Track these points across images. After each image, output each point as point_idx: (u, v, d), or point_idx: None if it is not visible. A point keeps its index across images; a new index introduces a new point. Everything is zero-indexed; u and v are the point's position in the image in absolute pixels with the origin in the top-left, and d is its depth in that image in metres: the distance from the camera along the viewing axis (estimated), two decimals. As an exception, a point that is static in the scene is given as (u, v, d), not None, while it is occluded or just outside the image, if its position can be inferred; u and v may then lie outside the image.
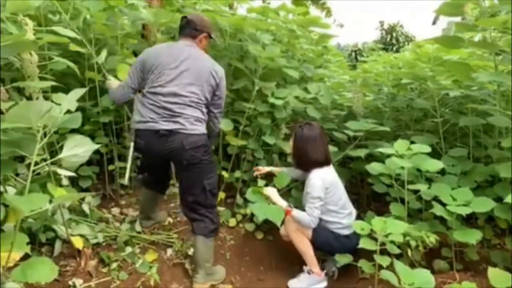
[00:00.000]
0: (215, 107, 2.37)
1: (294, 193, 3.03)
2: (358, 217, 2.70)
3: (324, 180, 2.42)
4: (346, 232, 2.49)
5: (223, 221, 3.01)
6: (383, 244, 2.07)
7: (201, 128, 2.24)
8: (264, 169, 2.84)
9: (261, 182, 2.68)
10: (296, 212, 2.45)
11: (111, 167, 3.03)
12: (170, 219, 2.90)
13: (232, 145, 3.16)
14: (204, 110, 2.27)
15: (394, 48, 14.83)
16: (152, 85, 2.22)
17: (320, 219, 2.50)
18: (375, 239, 2.08)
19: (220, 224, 2.80)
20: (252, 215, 3.07)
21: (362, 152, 2.85)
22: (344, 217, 2.50)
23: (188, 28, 2.33)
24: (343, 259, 2.39)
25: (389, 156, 2.46)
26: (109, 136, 3.03)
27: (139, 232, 2.64)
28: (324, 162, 2.48)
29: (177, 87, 2.18)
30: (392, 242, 2.08)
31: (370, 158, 3.08)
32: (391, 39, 16.26)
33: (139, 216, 2.75)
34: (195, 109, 2.21)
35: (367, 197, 3.42)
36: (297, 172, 2.67)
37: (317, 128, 2.53)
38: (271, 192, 2.52)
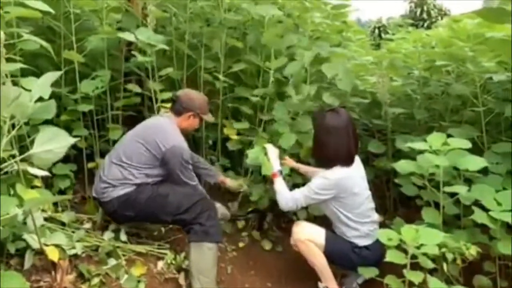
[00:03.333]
0: None
1: None
2: (383, 224, 2.68)
3: (339, 184, 2.40)
4: (366, 242, 2.47)
5: (223, 229, 3.00)
6: (414, 257, 2.05)
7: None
8: (291, 162, 2.89)
9: (286, 169, 2.79)
10: (278, 183, 2.53)
11: (91, 165, 3.02)
12: (162, 228, 2.93)
13: (233, 139, 3.16)
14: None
15: (425, 24, 14.71)
16: None
17: (333, 226, 2.49)
18: (405, 251, 2.05)
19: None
20: (259, 221, 3.07)
21: (388, 148, 2.82)
22: (363, 224, 2.48)
23: (175, 104, 2.67)
24: (367, 273, 2.38)
25: (421, 152, 2.44)
26: (89, 128, 3.03)
27: (124, 242, 2.63)
28: (346, 160, 2.45)
29: None
30: (425, 254, 2.06)
31: (398, 154, 3.04)
32: (422, 13, 16.12)
33: None
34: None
35: (393, 201, 3.41)
36: None
37: (343, 116, 2.47)
38: (271, 149, 2.67)
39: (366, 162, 3.27)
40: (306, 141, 2.91)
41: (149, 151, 2.50)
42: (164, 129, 2.56)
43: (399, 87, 3.39)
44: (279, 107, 2.98)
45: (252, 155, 2.77)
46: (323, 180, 2.41)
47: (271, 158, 2.65)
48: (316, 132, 2.54)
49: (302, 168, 2.87)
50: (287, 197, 2.46)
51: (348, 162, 2.45)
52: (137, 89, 3.06)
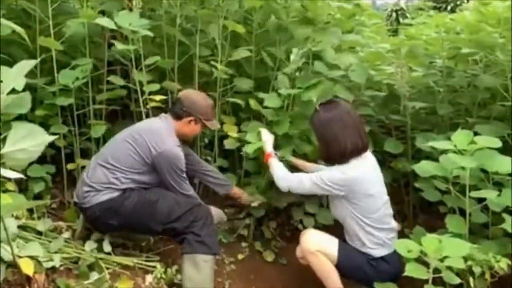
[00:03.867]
0: None
1: None
2: (402, 233, 2.67)
3: (354, 182, 2.40)
4: (382, 252, 2.47)
5: (220, 239, 3.03)
6: (437, 271, 2.04)
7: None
8: (294, 160, 2.91)
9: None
10: (274, 162, 2.61)
11: (71, 166, 3.02)
12: (151, 237, 2.93)
13: (231, 137, 3.16)
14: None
15: (449, 7, 14.67)
16: None
17: (346, 234, 2.49)
18: (426, 264, 2.05)
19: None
20: (259, 228, 3.07)
21: (407, 147, 2.82)
22: (380, 231, 2.48)
23: (175, 106, 2.69)
24: (384, 288, 2.40)
25: (444, 152, 2.43)
26: (69, 125, 3.02)
27: (108, 253, 2.63)
28: (356, 149, 2.45)
29: None
30: (450, 268, 2.04)
31: (418, 155, 3.03)
32: (445, -5, 16.10)
33: None
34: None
35: (413, 207, 3.40)
36: None
37: (337, 106, 2.50)
38: (265, 133, 2.80)
39: (382, 164, 3.26)
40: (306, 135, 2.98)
41: (138, 153, 2.51)
42: (158, 131, 2.57)
43: (419, 78, 3.36)
44: (270, 98, 3.00)
45: (251, 147, 2.82)
46: (339, 175, 2.41)
47: (265, 142, 2.76)
48: (315, 131, 2.56)
49: (308, 165, 2.88)
50: (289, 176, 2.50)
51: (359, 151, 2.46)
52: (121, 81, 3.06)
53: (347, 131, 2.44)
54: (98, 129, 3.03)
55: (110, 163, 2.52)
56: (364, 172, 2.44)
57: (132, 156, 2.51)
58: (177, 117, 2.66)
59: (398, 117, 3.23)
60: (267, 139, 2.78)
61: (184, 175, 2.61)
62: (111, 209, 2.49)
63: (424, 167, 2.52)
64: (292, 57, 3.12)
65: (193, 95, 2.72)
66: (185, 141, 2.77)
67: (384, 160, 3.31)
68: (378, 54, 3.48)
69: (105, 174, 2.51)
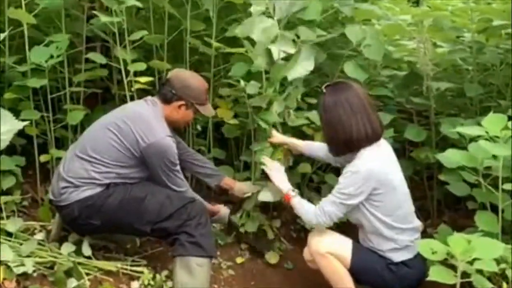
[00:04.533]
0: None
1: (329, 179, 3.10)
2: (425, 233, 2.68)
3: (374, 174, 2.40)
4: (404, 256, 2.44)
5: (216, 241, 3.02)
6: (466, 275, 2.04)
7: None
8: (280, 137, 2.89)
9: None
10: (298, 202, 2.52)
11: (44, 158, 3.02)
12: (137, 239, 2.93)
13: (228, 124, 3.15)
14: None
15: (478, -26, 14.59)
16: None
17: (361, 235, 2.49)
18: (454, 268, 2.05)
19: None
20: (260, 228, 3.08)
21: (431, 134, 2.82)
22: (403, 232, 2.46)
23: (164, 88, 2.67)
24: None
25: (473, 139, 2.43)
26: (42, 110, 3.02)
27: (88, 257, 2.64)
28: (367, 137, 2.42)
29: None
30: (480, 272, 2.05)
31: (444, 143, 3.02)
32: (474, -41, 15.99)
33: None
34: None
35: (438, 202, 3.40)
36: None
37: (345, 88, 2.48)
38: (274, 170, 2.71)
39: (401, 154, 3.29)
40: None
41: (123, 145, 2.50)
42: (146, 118, 2.55)
43: (445, 55, 3.34)
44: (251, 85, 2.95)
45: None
46: (353, 176, 2.38)
47: (275, 183, 2.68)
48: (319, 116, 2.55)
49: (297, 142, 2.86)
50: (315, 212, 2.43)
51: (369, 139, 2.43)
52: (102, 59, 3.05)
53: (355, 116, 2.41)
54: (75, 115, 3.03)
55: (90, 155, 2.51)
56: (380, 161, 2.42)
57: (116, 147, 2.50)
58: (166, 100, 2.64)
59: (421, 100, 3.20)
60: (277, 176, 2.71)
61: (177, 168, 2.61)
62: (92, 207, 2.48)
63: (450, 157, 2.51)
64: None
65: (184, 76, 2.70)
66: (176, 129, 2.76)
67: (404, 150, 3.32)
68: (397, 27, 3.44)
69: (85, 168, 2.50)
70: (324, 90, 2.51)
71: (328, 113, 2.47)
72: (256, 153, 2.91)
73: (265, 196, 2.92)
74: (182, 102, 2.64)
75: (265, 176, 2.78)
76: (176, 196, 2.58)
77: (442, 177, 2.85)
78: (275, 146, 2.88)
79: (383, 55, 3.12)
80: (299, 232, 3.30)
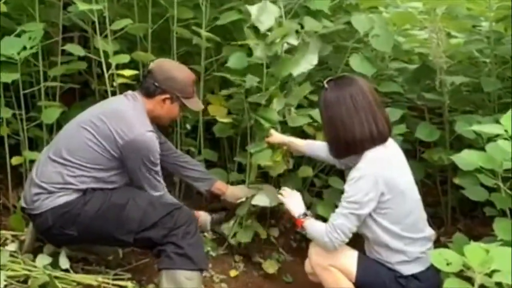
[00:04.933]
0: None
1: (333, 182, 3.11)
2: (438, 242, 2.68)
3: (381, 177, 2.38)
4: (415, 269, 2.44)
5: (207, 252, 3.03)
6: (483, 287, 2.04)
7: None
8: (278, 137, 2.88)
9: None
10: (309, 224, 2.50)
11: (16, 160, 3.01)
12: (119, 250, 2.92)
13: (221, 122, 3.14)
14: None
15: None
16: None
17: (368, 246, 2.48)
18: (470, 280, 2.02)
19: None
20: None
21: (444, 134, 2.80)
22: (414, 242, 2.45)
23: (146, 80, 2.66)
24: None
25: (492, 138, 2.42)
26: (14, 107, 3.01)
27: (66, 270, 2.63)
28: (372, 138, 2.41)
29: None
30: (499, 285, 2.02)
31: (458, 142, 3.03)
32: None
33: None
34: None
35: (452, 209, 3.41)
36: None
37: (349, 83, 2.47)
38: (289, 196, 2.66)
39: (412, 155, 3.30)
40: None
41: (101, 145, 2.48)
42: (125, 114, 2.54)
43: (460, 46, 3.34)
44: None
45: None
46: (359, 181, 2.36)
47: (289, 206, 2.64)
48: (320, 113, 2.55)
49: (297, 142, 2.86)
50: (326, 230, 2.40)
51: (373, 140, 2.42)
52: (81, 50, 3.03)
53: (359, 115, 2.40)
54: (51, 113, 3.01)
55: (64, 158, 2.48)
56: (387, 163, 2.42)
57: (93, 148, 2.47)
58: (149, 94, 2.63)
59: (433, 96, 3.20)
60: (291, 200, 2.67)
61: (157, 169, 2.60)
62: (68, 216, 2.45)
63: (466, 158, 2.49)
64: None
65: (168, 66, 2.69)
66: (161, 127, 2.75)
67: (414, 151, 3.32)
68: (407, 15, 3.45)
69: (59, 172, 2.48)
70: (326, 85, 2.50)
71: (329, 110, 2.47)
72: (253, 155, 2.90)
73: (260, 200, 2.92)
74: (166, 96, 2.63)
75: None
76: (160, 202, 2.58)
77: (457, 181, 2.85)
78: (273, 147, 2.88)
79: (392, 47, 3.11)
80: (299, 242, 3.32)
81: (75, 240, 2.57)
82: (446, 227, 3.29)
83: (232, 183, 3.16)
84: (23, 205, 2.56)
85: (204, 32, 3.05)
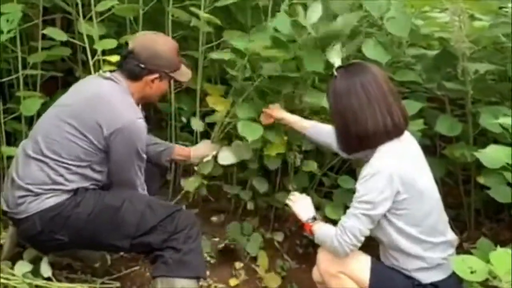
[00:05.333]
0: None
1: (343, 182, 3.10)
2: (460, 248, 2.68)
3: (396, 174, 2.36)
4: (435, 276, 2.43)
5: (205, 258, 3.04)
6: (510, 297, 2.02)
7: None
8: (279, 112, 2.94)
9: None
10: (317, 228, 2.51)
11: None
12: (107, 256, 2.95)
13: (218, 111, 3.14)
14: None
15: None
16: None
17: (382, 251, 2.48)
18: (496, 290, 2.02)
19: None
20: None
21: (467, 127, 2.78)
22: (434, 247, 2.45)
23: (127, 61, 2.60)
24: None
25: (520, 133, 2.42)
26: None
27: (48, 278, 2.65)
28: (386, 131, 2.40)
29: None
30: (528, 295, 2.02)
31: (482, 137, 3.02)
32: None
33: None
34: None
35: (476, 211, 3.39)
36: None
37: (362, 71, 2.46)
38: (297, 200, 2.67)
39: (432, 151, 3.29)
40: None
41: (86, 139, 2.45)
42: (111, 99, 2.52)
43: (484, 30, 3.31)
44: None
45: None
46: (372, 179, 2.35)
47: (296, 210, 2.66)
48: (328, 104, 2.54)
49: (300, 123, 2.88)
50: (335, 233, 2.40)
51: (388, 134, 2.41)
52: (63, 35, 3.02)
53: (372, 106, 2.39)
54: (30, 104, 3.01)
55: (46, 156, 2.45)
56: (403, 159, 2.41)
57: (76, 143, 2.44)
58: (134, 76, 2.60)
59: (455, 85, 3.17)
60: (298, 203, 2.70)
61: (142, 164, 2.61)
62: (58, 220, 2.43)
63: (491, 155, 2.49)
64: None
65: (150, 42, 2.66)
66: (151, 119, 2.73)
67: (434, 146, 3.31)
68: (426, -4, 3.45)
69: (44, 171, 2.45)
70: (336, 73, 2.49)
71: (338, 101, 2.46)
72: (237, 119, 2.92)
73: (225, 158, 2.99)
74: (155, 76, 2.61)
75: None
76: (159, 203, 2.58)
77: (481, 180, 2.85)
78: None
79: (410, 31, 3.09)
80: (306, 247, 3.32)
81: (65, 246, 2.56)
82: (470, 232, 3.31)
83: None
84: (5, 208, 2.54)
85: (203, 14, 3.03)
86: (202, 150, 3.06)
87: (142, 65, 2.57)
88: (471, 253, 2.35)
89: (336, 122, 2.52)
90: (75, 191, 2.47)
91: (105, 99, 2.51)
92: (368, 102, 2.39)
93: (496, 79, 3.44)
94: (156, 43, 2.65)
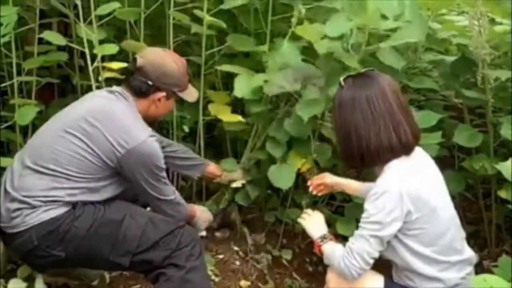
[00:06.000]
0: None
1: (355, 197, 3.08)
2: (480, 266, 2.65)
3: (406, 193, 2.36)
4: (452, 298, 2.45)
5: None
6: (536, 323, 2.01)
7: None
8: (332, 179, 2.91)
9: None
10: (326, 248, 2.51)
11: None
12: (106, 274, 2.95)
13: (227, 123, 3.16)
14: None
15: None
16: None
17: (395, 271, 2.47)
18: (520, 313, 2.02)
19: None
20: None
21: (488, 138, 2.78)
22: (450, 267, 2.43)
23: (135, 78, 2.61)
24: None
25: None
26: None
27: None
28: (395, 148, 2.38)
29: None
30: (556, 320, 2.02)
31: (503, 149, 3.01)
32: None
33: None
34: None
35: (497, 227, 3.37)
36: None
37: (370, 82, 2.44)
38: (310, 219, 2.68)
39: (450, 163, 3.27)
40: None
41: (94, 154, 2.46)
42: (121, 118, 2.53)
43: (506, 34, 3.32)
44: None
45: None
46: (381, 198, 2.32)
47: (307, 228, 2.68)
48: (334, 118, 2.53)
49: (353, 185, 2.87)
50: (342, 255, 2.39)
51: (393, 151, 2.39)
52: (61, 39, 3.02)
53: (376, 123, 2.37)
54: (25, 112, 2.99)
55: (48, 168, 2.44)
56: (414, 175, 2.38)
57: (84, 157, 2.44)
58: (141, 94, 2.62)
59: (474, 93, 3.17)
60: (310, 221, 2.72)
61: (164, 174, 2.61)
62: (55, 234, 2.41)
63: None
64: None
65: (159, 60, 2.67)
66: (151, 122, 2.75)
67: (453, 158, 3.31)
68: (444, -1, 3.45)
69: (43, 183, 2.44)
70: (342, 83, 2.47)
71: (342, 114, 2.45)
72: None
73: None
74: (162, 94, 2.64)
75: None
76: (161, 219, 2.57)
77: (502, 194, 2.85)
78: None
79: (426, 35, 3.10)
80: (316, 266, 3.32)
81: (62, 263, 2.54)
82: (490, 249, 3.28)
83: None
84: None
85: (206, 17, 3.04)
86: (234, 176, 3.14)
87: (150, 83, 2.60)
88: (491, 272, 2.33)
89: (338, 135, 2.51)
90: (74, 205, 2.46)
91: (115, 116, 2.52)
92: (373, 118, 2.36)
93: (519, 86, 3.42)
94: (165, 61, 2.67)
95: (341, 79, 2.49)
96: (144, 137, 2.49)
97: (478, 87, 3.14)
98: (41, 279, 2.68)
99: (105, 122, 2.48)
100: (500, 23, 3.43)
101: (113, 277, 2.94)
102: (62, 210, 2.43)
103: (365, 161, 2.41)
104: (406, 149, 2.38)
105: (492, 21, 3.27)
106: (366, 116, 2.37)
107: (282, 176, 3.01)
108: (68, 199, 2.45)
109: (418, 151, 2.46)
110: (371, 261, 2.34)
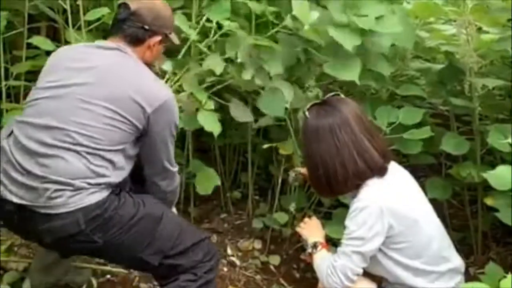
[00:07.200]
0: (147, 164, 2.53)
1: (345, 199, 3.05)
2: (466, 274, 2.66)
3: (386, 207, 2.39)
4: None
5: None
6: (522, 332, 2.03)
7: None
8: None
9: None
10: (316, 258, 2.53)
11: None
12: (93, 280, 2.93)
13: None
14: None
15: None
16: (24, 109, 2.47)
17: (386, 283, 2.48)
18: (506, 322, 2.03)
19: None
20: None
21: (475, 146, 2.80)
22: (439, 277, 2.44)
23: (129, 25, 2.48)
24: None
25: (529, 153, 2.42)
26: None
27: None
28: (347, 180, 2.40)
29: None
30: (542, 327, 2.03)
31: (490, 156, 3.03)
32: None
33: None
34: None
35: (483, 234, 3.38)
36: None
37: (331, 112, 2.44)
38: (308, 227, 2.70)
39: (437, 171, 3.28)
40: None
41: (126, 120, 2.34)
42: (139, 75, 2.45)
43: (493, 43, 3.35)
44: None
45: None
46: (361, 214, 2.34)
47: (303, 236, 2.70)
48: (302, 148, 2.60)
49: None
50: (326, 271, 2.41)
51: (364, 178, 2.41)
52: (49, 44, 3.01)
53: (340, 154, 2.39)
54: (13, 117, 2.98)
55: (81, 144, 2.26)
56: (392, 189, 2.41)
57: (117, 126, 2.33)
58: (137, 41, 2.50)
59: (461, 101, 3.18)
60: (305, 230, 2.74)
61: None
62: (101, 219, 2.26)
63: (500, 175, 2.48)
64: None
65: (149, 2, 2.56)
66: None
67: (439, 166, 3.31)
68: (432, 7, 3.44)
69: (83, 162, 2.26)
70: (306, 113, 2.48)
71: (308, 144, 2.49)
72: None
73: None
74: (158, 38, 2.55)
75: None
76: (188, 224, 2.58)
77: (488, 202, 2.83)
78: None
79: (414, 43, 3.13)
80: (303, 272, 3.30)
81: (94, 252, 2.47)
82: (476, 256, 3.30)
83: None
84: (21, 201, 2.27)
85: (193, 21, 3.06)
86: None
87: (147, 27, 2.49)
88: (478, 279, 2.35)
89: (307, 164, 2.55)
90: (116, 187, 2.34)
91: (134, 73, 2.44)
92: (337, 148, 2.38)
93: (504, 95, 3.45)
94: (155, 3, 2.59)
95: (305, 108, 2.51)
96: (167, 92, 2.48)
97: (465, 95, 3.16)
98: (28, 284, 2.66)
99: (125, 83, 2.37)
100: (487, 32, 3.45)
101: (101, 282, 2.90)
102: (104, 193, 2.29)
103: (333, 190, 2.46)
104: (377, 172, 2.41)
105: (480, 30, 3.29)
106: (330, 146, 2.39)
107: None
108: (110, 179, 2.33)
109: (392, 165, 2.49)
110: (355, 278, 2.36)
